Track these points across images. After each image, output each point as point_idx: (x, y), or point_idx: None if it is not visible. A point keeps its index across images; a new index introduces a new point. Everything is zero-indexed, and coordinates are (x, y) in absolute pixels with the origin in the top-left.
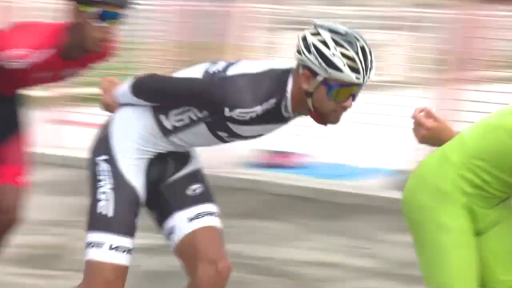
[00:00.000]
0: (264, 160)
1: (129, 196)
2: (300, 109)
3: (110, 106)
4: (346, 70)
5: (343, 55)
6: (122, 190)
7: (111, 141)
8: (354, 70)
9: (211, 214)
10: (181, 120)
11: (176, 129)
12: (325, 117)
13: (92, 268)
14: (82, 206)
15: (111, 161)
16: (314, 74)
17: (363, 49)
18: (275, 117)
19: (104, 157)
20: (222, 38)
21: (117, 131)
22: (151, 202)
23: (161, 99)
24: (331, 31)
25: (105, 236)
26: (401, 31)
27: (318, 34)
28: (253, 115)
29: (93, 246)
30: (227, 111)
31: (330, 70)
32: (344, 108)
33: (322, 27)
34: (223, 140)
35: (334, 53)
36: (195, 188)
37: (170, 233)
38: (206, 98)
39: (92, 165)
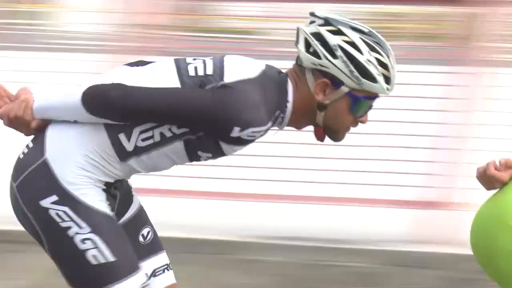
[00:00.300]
0: None
1: (114, 226)
2: (297, 122)
3: (22, 122)
4: (381, 80)
5: (378, 61)
6: (103, 225)
7: (53, 173)
8: (387, 80)
9: (167, 267)
10: (148, 138)
11: (138, 150)
12: (335, 133)
13: None
14: None
15: (66, 199)
16: (336, 83)
17: (391, 52)
18: (267, 132)
19: (53, 198)
20: None
21: (56, 158)
22: None
23: (136, 118)
24: (356, 29)
25: (121, 285)
26: None
27: (341, 32)
28: (263, 132)
29: None
30: (236, 131)
31: (363, 80)
32: (357, 124)
33: (340, 23)
34: (197, 160)
35: (369, 59)
36: (146, 233)
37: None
38: (210, 117)
39: (39, 214)
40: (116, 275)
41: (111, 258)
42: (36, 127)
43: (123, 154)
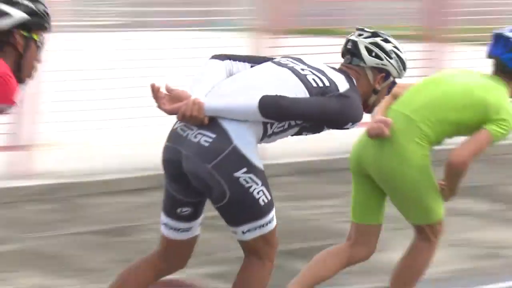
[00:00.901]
0: None
1: (265, 174)
2: None
3: (196, 119)
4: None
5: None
6: (264, 177)
7: (243, 154)
8: None
9: None
10: (281, 126)
11: (272, 134)
12: (373, 108)
13: (272, 235)
14: None
15: (252, 168)
16: (387, 75)
17: None
18: None
19: (244, 169)
20: None
21: (242, 143)
22: (198, 196)
23: (292, 119)
24: (390, 37)
25: (271, 212)
26: None
27: (388, 41)
28: None
29: (267, 224)
30: (349, 125)
31: (403, 72)
32: None
33: (383, 34)
34: (296, 135)
35: (405, 57)
36: None
37: (194, 227)
38: (338, 117)
39: (233, 182)
40: (271, 205)
41: (269, 196)
42: (207, 122)
43: (263, 137)
